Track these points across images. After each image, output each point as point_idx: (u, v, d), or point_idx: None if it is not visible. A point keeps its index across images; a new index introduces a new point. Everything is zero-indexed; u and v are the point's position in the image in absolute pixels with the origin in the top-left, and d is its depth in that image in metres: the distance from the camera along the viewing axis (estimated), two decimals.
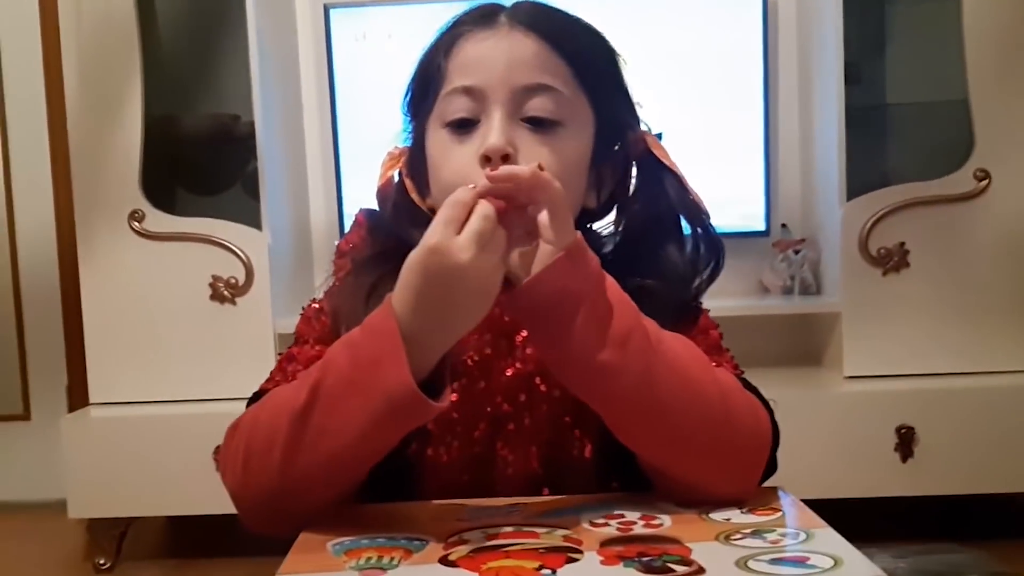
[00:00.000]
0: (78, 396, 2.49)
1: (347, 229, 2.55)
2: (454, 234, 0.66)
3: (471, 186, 0.68)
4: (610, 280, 0.71)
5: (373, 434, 0.67)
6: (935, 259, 2.16)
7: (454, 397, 0.77)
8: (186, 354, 2.25)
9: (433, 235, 0.66)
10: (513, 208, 0.68)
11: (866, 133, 2.32)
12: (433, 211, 0.81)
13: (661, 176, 0.85)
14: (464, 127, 0.80)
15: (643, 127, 0.87)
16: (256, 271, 2.25)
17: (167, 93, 2.42)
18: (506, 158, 0.76)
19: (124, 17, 2.23)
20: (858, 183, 2.21)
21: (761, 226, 2.45)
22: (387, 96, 2.61)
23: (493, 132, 0.77)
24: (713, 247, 0.84)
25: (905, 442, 2.08)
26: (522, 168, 0.69)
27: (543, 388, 0.78)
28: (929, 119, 2.38)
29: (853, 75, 2.23)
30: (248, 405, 0.79)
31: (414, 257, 0.66)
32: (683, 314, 0.79)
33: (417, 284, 0.66)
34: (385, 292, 0.69)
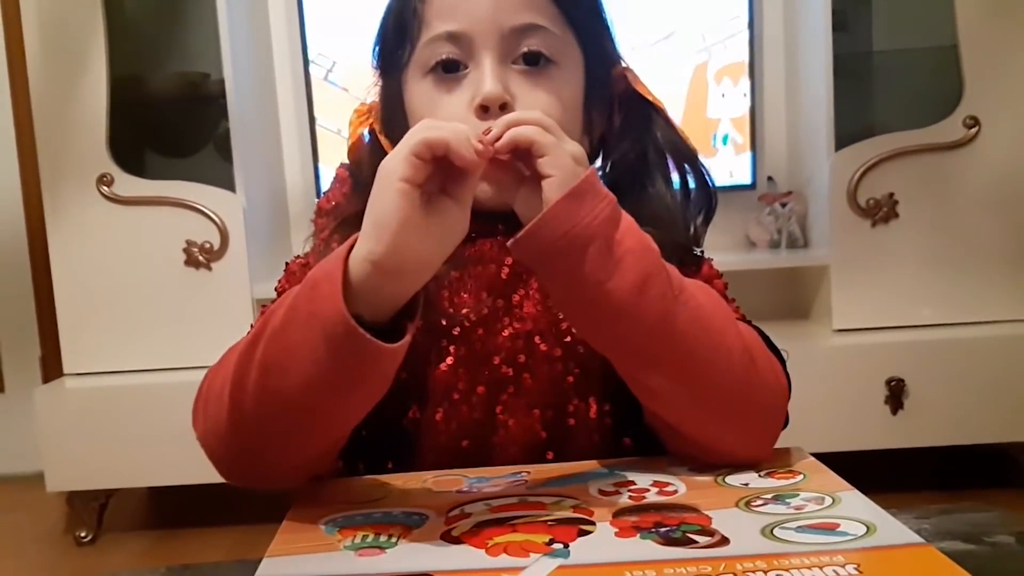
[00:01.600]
0: (52, 367, 2.43)
1: (322, 187, 2.49)
2: (408, 154, 0.60)
3: (459, 139, 0.60)
4: (629, 221, 0.65)
5: (315, 371, 0.60)
6: (925, 209, 2.13)
7: (450, 360, 0.73)
8: (161, 322, 2.19)
9: (392, 153, 0.61)
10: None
11: (853, 82, 2.28)
12: None
13: (647, 113, 0.80)
14: (450, 71, 0.74)
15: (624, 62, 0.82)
16: (231, 235, 2.18)
17: (133, 51, 2.34)
18: (503, 107, 0.71)
19: None
20: (845, 133, 2.17)
21: (747, 179, 2.41)
22: (362, 49, 2.53)
23: (487, 79, 0.72)
24: (705, 187, 0.80)
25: (895, 394, 2.06)
26: (510, 118, 0.64)
27: (543, 348, 0.74)
28: (917, 66, 2.33)
29: (839, 22, 2.18)
30: None
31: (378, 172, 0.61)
32: (684, 261, 0.74)
33: (371, 206, 0.61)
34: None
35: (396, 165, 0.60)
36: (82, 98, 2.16)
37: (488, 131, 0.64)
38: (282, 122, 2.52)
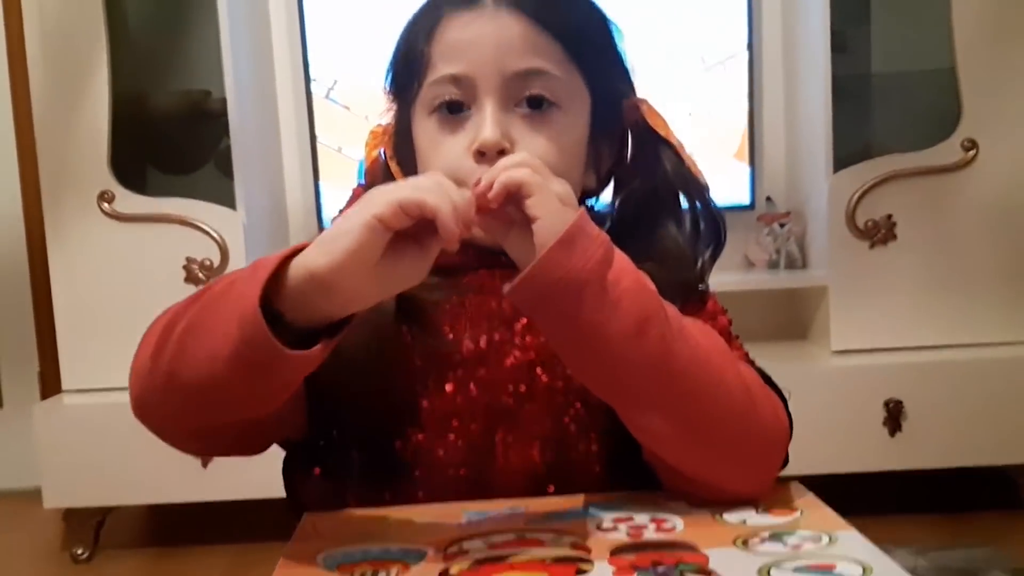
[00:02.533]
0: (50, 382, 2.43)
1: (323, 205, 2.48)
2: (384, 206, 0.60)
3: (442, 202, 0.61)
4: (624, 260, 0.66)
5: (223, 346, 0.61)
6: (923, 231, 2.14)
7: (449, 388, 0.73)
8: None
9: (380, 193, 0.61)
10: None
11: (852, 103, 2.28)
12: None
13: (657, 148, 0.80)
14: (453, 112, 0.75)
15: (637, 93, 0.82)
16: (231, 252, 2.18)
17: (135, 69, 2.34)
18: (501, 152, 0.72)
19: None
20: (844, 154, 2.18)
21: (746, 199, 2.42)
22: (363, 68, 2.53)
23: (487, 125, 0.73)
24: (714, 223, 0.80)
25: (893, 416, 2.06)
26: (494, 170, 0.65)
27: (544, 379, 0.74)
28: (915, 88, 2.34)
29: (838, 44, 2.18)
30: None
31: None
32: (688, 297, 0.74)
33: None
34: None
35: (381, 203, 0.60)
36: (84, 115, 2.17)
37: (478, 181, 0.65)
38: (283, 139, 2.53)
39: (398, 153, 0.82)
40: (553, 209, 0.64)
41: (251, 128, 2.30)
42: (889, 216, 2.14)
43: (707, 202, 0.80)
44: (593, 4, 0.80)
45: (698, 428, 0.66)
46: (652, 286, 0.66)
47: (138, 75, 2.37)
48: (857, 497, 2.12)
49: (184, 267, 2.19)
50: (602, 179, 0.82)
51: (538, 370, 0.74)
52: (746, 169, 2.40)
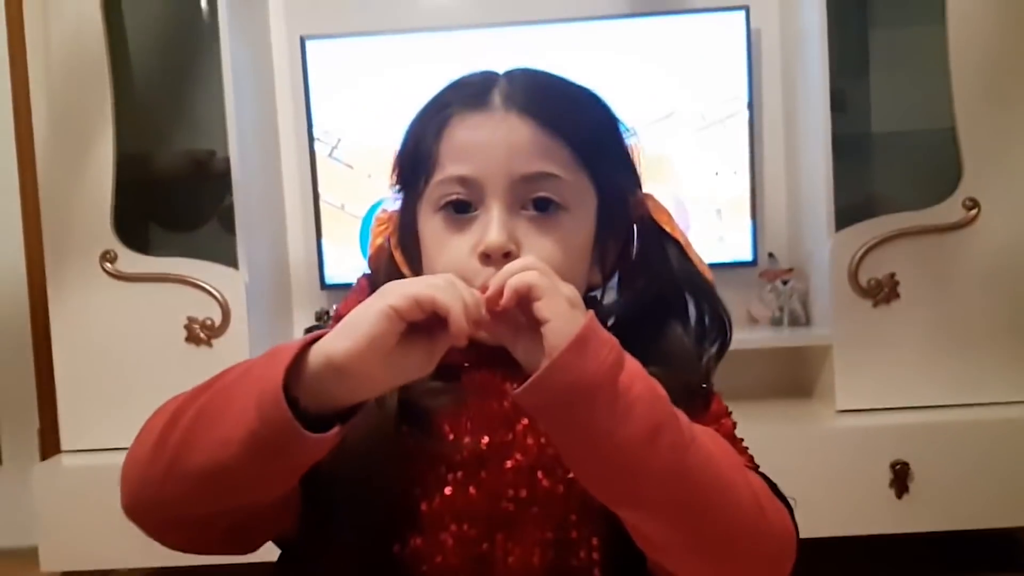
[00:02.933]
0: (50, 441, 2.42)
1: (325, 264, 2.49)
2: (397, 301, 0.61)
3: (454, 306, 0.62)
4: (635, 365, 0.65)
5: (238, 431, 0.61)
6: (926, 290, 2.13)
7: (448, 491, 0.72)
8: (161, 399, 2.15)
9: (394, 287, 0.63)
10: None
11: (852, 162, 2.29)
12: None
13: (663, 244, 0.80)
14: (460, 211, 0.75)
15: (643, 188, 0.82)
16: (233, 311, 2.19)
17: (140, 129, 2.36)
18: (507, 255, 0.72)
19: (94, 52, 2.17)
20: (845, 212, 2.18)
21: (748, 256, 2.42)
22: (367, 127, 2.55)
23: (492, 228, 0.72)
24: (719, 321, 0.79)
25: (900, 477, 2.04)
26: (504, 274, 0.65)
27: (546, 483, 0.73)
28: (916, 148, 2.35)
29: (838, 102, 2.20)
30: None
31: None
32: (692, 399, 0.73)
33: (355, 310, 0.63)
34: None
35: (397, 295, 0.61)
36: (88, 175, 2.18)
37: (486, 287, 0.64)
38: (286, 198, 2.54)
39: (403, 244, 0.82)
40: (563, 311, 0.63)
41: (254, 187, 2.32)
42: (892, 275, 2.13)
43: (713, 300, 0.80)
44: (601, 103, 0.80)
45: (707, 539, 0.65)
46: (663, 392, 0.65)
47: (143, 134, 2.39)
48: (864, 560, 2.11)
49: (185, 326, 2.19)
50: (607, 274, 0.82)
51: (539, 474, 0.73)
52: (748, 225, 2.40)
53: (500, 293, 0.64)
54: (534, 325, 0.64)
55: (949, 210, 2.13)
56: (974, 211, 2.11)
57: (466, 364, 0.75)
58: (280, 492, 0.67)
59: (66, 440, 2.21)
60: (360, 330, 0.61)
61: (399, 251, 0.82)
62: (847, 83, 2.30)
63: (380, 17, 2.46)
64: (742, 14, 2.37)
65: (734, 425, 0.78)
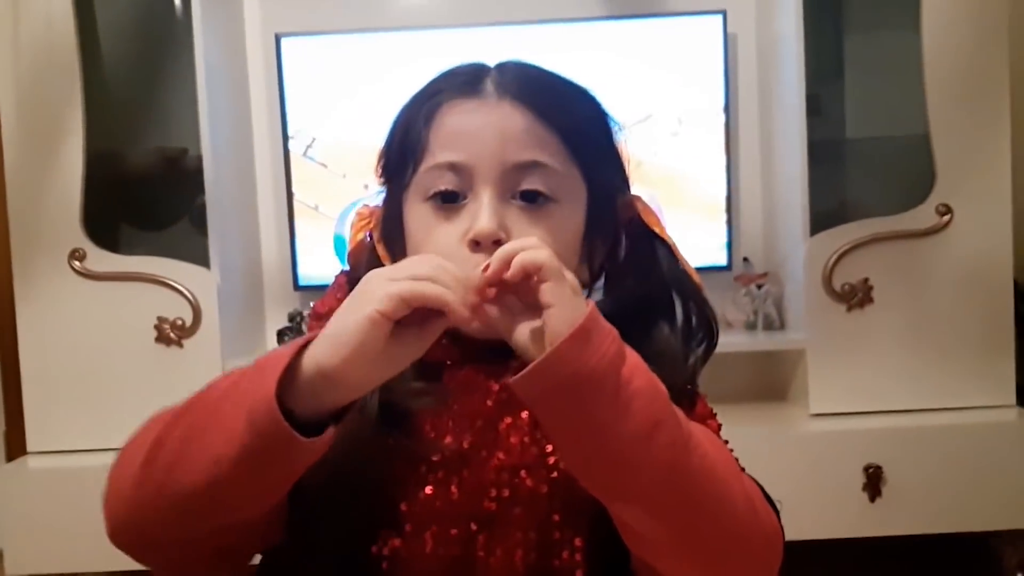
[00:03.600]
0: (15, 444, 2.37)
1: (299, 264, 2.46)
2: (384, 297, 0.60)
3: (442, 293, 0.61)
4: (636, 358, 0.64)
5: (230, 446, 0.60)
6: (899, 295, 2.14)
7: (429, 491, 0.71)
8: (130, 400, 2.14)
9: (376, 282, 0.62)
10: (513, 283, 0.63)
11: (826, 166, 2.30)
12: None
13: (653, 245, 0.79)
14: (449, 201, 0.73)
15: (631, 190, 0.82)
16: (204, 312, 2.15)
17: (110, 126, 2.33)
18: (496, 242, 0.70)
19: (64, 47, 2.13)
20: (820, 217, 2.19)
21: (723, 260, 2.42)
22: (342, 126, 2.52)
23: (483, 214, 0.71)
24: (707, 323, 0.78)
25: (873, 481, 2.05)
26: (510, 249, 0.63)
27: (529, 483, 0.71)
28: (890, 153, 2.36)
29: (813, 107, 2.21)
30: None
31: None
32: (679, 400, 0.72)
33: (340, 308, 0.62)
34: None
35: (382, 295, 0.60)
36: (57, 173, 2.15)
37: (487, 267, 0.63)
38: (259, 197, 2.51)
39: (386, 237, 0.80)
40: (567, 298, 0.62)
41: (227, 186, 2.29)
42: (866, 280, 2.14)
43: (701, 303, 0.79)
44: (594, 99, 0.79)
45: (699, 539, 0.64)
46: (663, 388, 0.64)
47: (113, 132, 2.35)
48: (837, 563, 2.11)
49: (155, 326, 2.15)
50: (595, 274, 0.81)
51: (523, 473, 0.72)
52: (723, 230, 2.40)
53: (502, 270, 0.62)
54: (533, 310, 0.62)
55: (922, 215, 2.14)
56: (947, 217, 2.13)
57: (448, 362, 0.74)
58: (272, 503, 0.66)
59: (32, 442, 2.17)
60: (348, 339, 0.60)
61: (382, 244, 0.80)
62: (822, 88, 2.31)
63: (356, 15, 2.44)
64: (719, 18, 2.37)
65: (719, 427, 0.77)
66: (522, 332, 0.64)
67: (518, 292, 0.63)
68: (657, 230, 0.80)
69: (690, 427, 0.65)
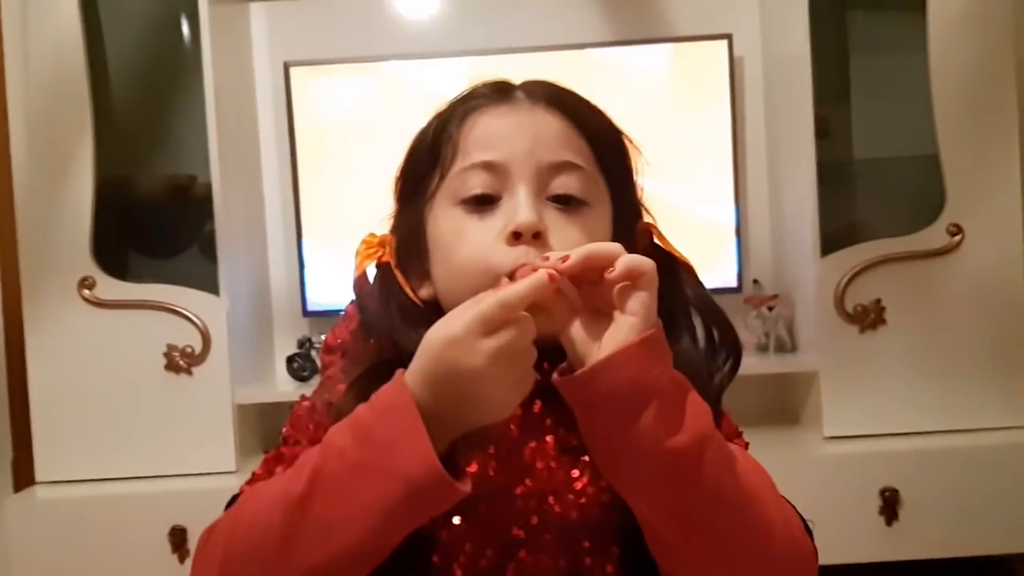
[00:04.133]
0: (24, 474, 2.35)
1: (308, 290, 2.44)
2: (480, 334, 0.60)
3: (525, 279, 0.62)
4: (685, 381, 0.64)
5: (386, 525, 0.61)
6: (912, 316, 2.13)
7: (457, 520, 0.69)
8: (140, 428, 2.14)
9: (458, 325, 0.60)
10: (586, 282, 0.64)
11: (835, 188, 2.30)
12: (432, 302, 0.74)
13: (675, 269, 0.78)
14: (483, 204, 0.73)
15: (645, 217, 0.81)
16: (213, 339, 2.15)
17: (120, 154, 2.33)
18: (537, 236, 0.70)
19: (74, 76, 2.14)
20: (829, 239, 2.19)
21: (733, 282, 2.41)
22: (350, 156, 2.52)
23: (522, 207, 0.71)
24: (730, 340, 0.77)
25: (890, 505, 2.03)
26: (595, 248, 0.65)
27: (558, 509, 0.70)
28: (899, 174, 2.36)
29: (821, 129, 2.21)
30: (227, 509, 0.71)
31: (432, 340, 0.61)
32: None
33: (431, 369, 0.61)
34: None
35: (519, 353, 0.62)
36: (67, 201, 2.15)
37: (561, 258, 0.64)
38: (268, 224, 2.51)
39: (403, 259, 0.78)
40: (651, 312, 0.63)
41: (236, 213, 2.29)
42: (878, 301, 2.13)
43: (724, 322, 0.78)
44: (611, 118, 0.80)
45: (736, 561, 0.63)
46: (709, 409, 0.64)
47: (123, 159, 2.36)
48: None
49: (165, 354, 2.15)
50: None
51: (551, 499, 0.70)
52: (733, 252, 2.39)
53: (580, 265, 0.63)
54: (599, 312, 0.63)
55: (933, 236, 2.13)
56: (958, 237, 2.12)
57: None
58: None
59: (41, 471, 2.16)
60: (487, 415, 0.62)
61: (398, 269, 0.78)
62: (830, 110, 2.31)
63: (365, 44, 2.45)
64: (724, 43, 2.38)
65: (747, 446, 0.76)
66: (580, 331, 0.64)
67: (590, 293, 0.64)
68: (676, 255, 0.79)
69: (730, 447, 0.65)
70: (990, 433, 2.09)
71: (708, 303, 0.78)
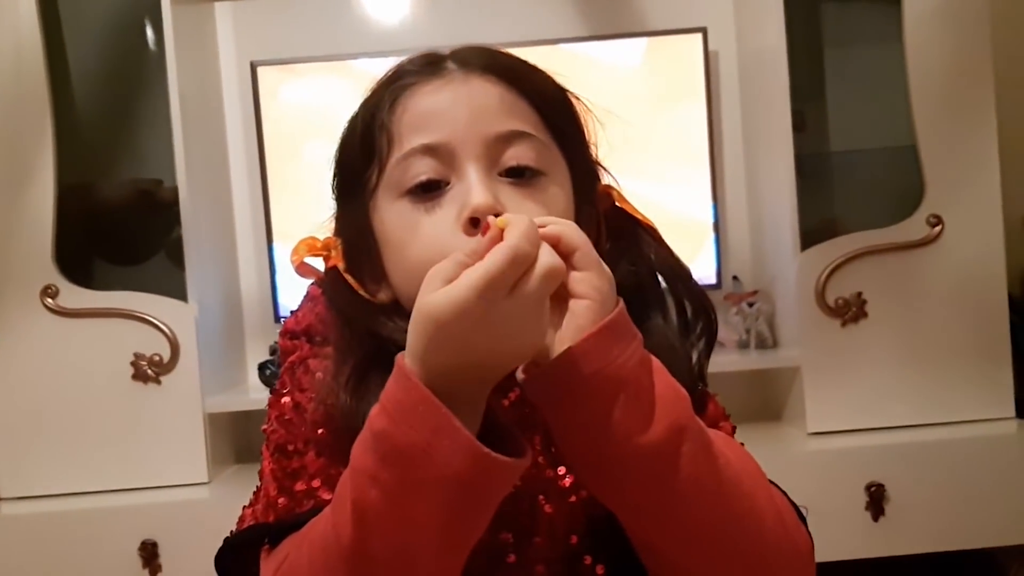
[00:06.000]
0: None
1: (280, 295, 2.38)
2: (495, 296, 0.52)
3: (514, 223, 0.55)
4: (658, 363, 0.58)
5: (458, 531, 0.55)
6: (894, 308, 2.11)
7: None
8: (107, 440, 2.07)
9: (464, 291, 0.53)
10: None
11: (813, 182, 2.27)
12: (391, 305, 0.68)
13: (636, 232, 0.73)
14: (429, 191, 0.66)
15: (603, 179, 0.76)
16: (183, 347, 2.09)
17: (82, 158, 2.27)
18: (496, 216, 0.64)
19: (34, 78, 2.08)
20: (808, 233, 2.16)
21: (712, 279, 2.38)
22: (321, 156, 2.46)
23: (475, 189, 0.64)
24: (703, 312, 0.72)
25: (876, 500, 2.00)
26: (528, 226, 0.56)
27: (548, 509, 0.65)
28: (878, 166, 2.34)
29: (797, 122, 2.19)
30: (230, 541, 0.67)
31: (435, 313, 0.53)
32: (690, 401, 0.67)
33: (440, 346, 0.54)
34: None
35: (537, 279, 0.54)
36: (27, 207, 2.08)
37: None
38: (237, 228, 2.45)
39: (353, 263, 0.72)
40: (604, 292, 0.57)
41: (204, 217, 2.23)
42: (859, 294, 2.11)
43: (694, 288, 0.73)
44: (552, 76, 0.74)
45: (726, 559, 0.59)
46: (686, 394, 0.59)
47: (85, 164, 2.30)
48: None
49: (132, 363, 2.08)
50: None
51: (540, 499, 0.66)
52: (711, 248, 2.36)
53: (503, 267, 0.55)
54: (557, 297, 0.56)
55: (913, 227, 2.11)
56: (938, 227, 2.10)
57: None
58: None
59: (4, 487, 2.08)
60: (533, 343, 0.55)
61: (349, 274, 0.72)
62: (806, 103, 2.29)
63: (333, 42, 2.40)
64: (699, 36, 2.35)
65: (733, 429, 0.72)
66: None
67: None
68: (639, 216, 0.74)
69: (711, 435, 0.60)
70: (975, 425, 2.07)
71: (676, 268, 0.73)
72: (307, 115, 2.33)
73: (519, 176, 0.67)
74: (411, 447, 0.53)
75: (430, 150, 0.66)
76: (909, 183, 2.14)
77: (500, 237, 0.54)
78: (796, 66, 2.17)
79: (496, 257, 0.52)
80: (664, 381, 0.58)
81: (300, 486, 0.67)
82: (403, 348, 0.56)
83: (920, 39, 2.10)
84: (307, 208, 2.26)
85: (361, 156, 0.70)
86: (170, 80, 2.11)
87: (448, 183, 0.66)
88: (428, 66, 0.71)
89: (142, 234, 2.36)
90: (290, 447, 0.69)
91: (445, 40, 2.48)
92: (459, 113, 0.67)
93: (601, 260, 0.58)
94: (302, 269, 0.74)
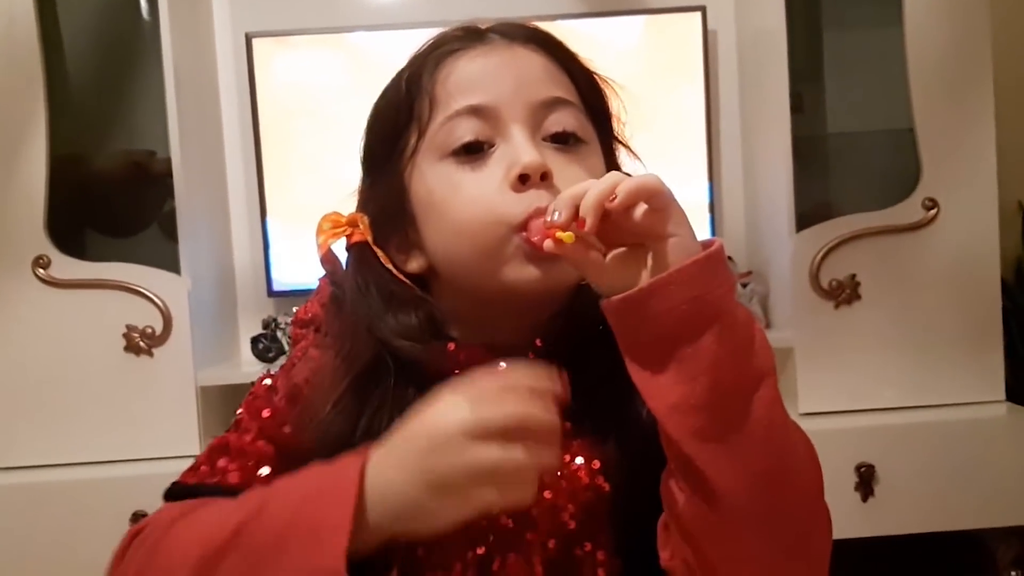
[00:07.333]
0: None
1: (273, 269, 2.38)
2: (476, 438, 0.53)
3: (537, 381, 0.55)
4: (752, 316, 0.58)
5: None
6: (887, 291, 2.11)
7: None
8: (99, 412, 2.07)
9: (453, 420, 0.54)
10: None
11: (809, 163, 2.27)
12: (422, 275, 0.68)
13: None
14: (473, 152, 0.66)
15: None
16: (175, 319, 2.08)
17: (75, 129, 2.25)
18: (544, 177, 0.64)
19: (27, 48, 2.05)
20: (804, 214, 2.16)
21: None
22: (316, 130, 2.44)
23: (524, 147, 0.65)
24: None
25: (865, 480, 2.01)
26: (610, 182, 0.57)
27: (548, 495, 0.65)
28: (875, 148, 2.34)
29: (795, 104, 2.18)
30: (165, 499, 0.67)
31: (419, 427, 0.55)
32: None
33: (403, 462, 0.55)
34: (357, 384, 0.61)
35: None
36: (19, 177, 2.06)
37: (541, 213, 0.59)
38: (231, 201, 2.44)
39: (382, 232, 0.71)
40: (689, 227, 0.57)
41: (197, 189, 2.21)
42: (853, 276, 2.11)
43: None
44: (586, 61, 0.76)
45: (783, 512, 0.59)
46: (772, 351, 0.59)
47: (78, 135, 2.28)
48: (830, 565, 2.07)
49: (124, 335, 2.07)
50: None
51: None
52: (706, 229, 2.36)
53: (606, 198, 0.56)
54: (634, 248, 0.56)
55: (909, 210, 2.11)
56: (933, 211, 2.10)
57: (456, 372, 0.68)
58: None
59: None
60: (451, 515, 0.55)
61: (377, 246, 0.71)
62: (804, 84, 2.28)
63: (329, 14, 2.38)
64: (698, 15, 2.34)
65: None
66: (615, 268, 0.58)
67: (610, 231, 0.57)
68: None
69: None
70: (965, 408, 2.08)
71: None
72: (302, 87, 2.31)
73: (563, 143, 0.68)
74: (308, 520, 0.54)
75: (476, 111, 0.67)
76: (905, 166, 2.14)
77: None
78: (795, 47, 2.16)
79: (502, 406, 0.53)
80: (759, 329, 0.58)
81: (223, 462, 0.69)
82: (401, 351, 0.60)
83: (920, 23, 2.09)
84: (302, 181, 2.27)
85: (402, 121, 0.70)
86: (164, 50, 2.09)
87: (492, 145, 0.67)
88: (471, 35, 0.71)
89: (135, 205, 2.35)
90: (242, 424, 0.72)
91: (442, 15, 2.47)
92: (505, 77, 0.67)
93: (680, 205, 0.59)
94: (327, 258, 0.74)
